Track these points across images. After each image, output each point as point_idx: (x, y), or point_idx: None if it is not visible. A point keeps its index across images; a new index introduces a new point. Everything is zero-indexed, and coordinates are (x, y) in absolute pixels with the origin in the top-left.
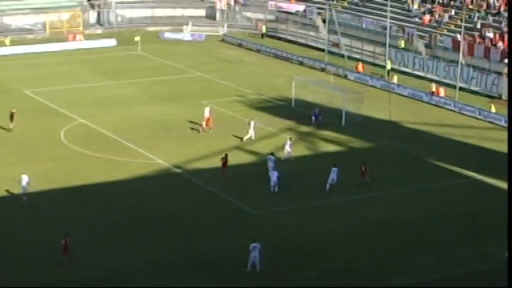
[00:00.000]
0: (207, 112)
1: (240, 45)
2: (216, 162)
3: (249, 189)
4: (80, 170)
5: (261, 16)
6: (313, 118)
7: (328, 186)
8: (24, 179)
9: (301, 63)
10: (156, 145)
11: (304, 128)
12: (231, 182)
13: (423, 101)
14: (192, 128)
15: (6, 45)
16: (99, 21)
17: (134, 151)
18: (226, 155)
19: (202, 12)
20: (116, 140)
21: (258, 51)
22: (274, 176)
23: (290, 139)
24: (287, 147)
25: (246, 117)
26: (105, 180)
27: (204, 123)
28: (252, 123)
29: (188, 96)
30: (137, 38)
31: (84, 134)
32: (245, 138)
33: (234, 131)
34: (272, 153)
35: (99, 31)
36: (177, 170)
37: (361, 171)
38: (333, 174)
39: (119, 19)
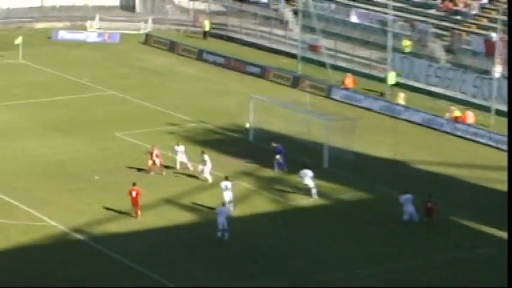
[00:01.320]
0: (180, 152)
1: (171, 49)
2: (134, 224)
3: (186, 261)
4: None
5: (202, 6)
6: (278, 158)
7: (414, 218)
8: None
9: (262, 76)
10: (47, 199)
11: (268, 172)
12: (157, 250)
13: (443, 131)
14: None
15: None
16: None
17: (14, 208)
18: (134, 184)
19: (115, 0)
20: None
21: (199, 57)
22: (221, 216)
23: (310, 170)
24: (307, 182)
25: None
26: None
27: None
28: (206, 157)
29: (95, 126)
30: (18, 40)
31: None
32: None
33: (163, 177)
34: (227, 177)
35: None
36: (79, 236)
37: (427, 209)
38: (409, 206)
39: None
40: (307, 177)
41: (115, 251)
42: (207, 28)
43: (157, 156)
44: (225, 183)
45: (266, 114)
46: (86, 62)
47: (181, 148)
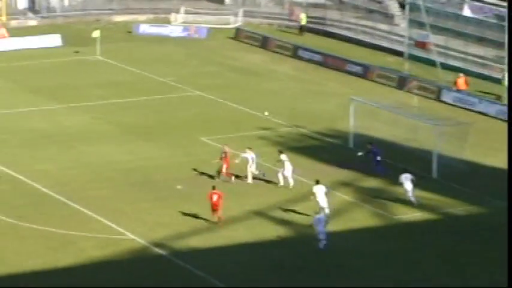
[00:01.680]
0: (251, 159)
1: (264, 45)
2: (221, 238)
3: (277, 281)
4: (5, 251)
5: None
6: (378, 160)
7: None
8: None
9: (364, 75)
10: (125, 210)
11: (369, 182)
12: (247, 268)
13: None
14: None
15: None
16: (33, 7)
17: (89, 219)
18: (213, 187)
19: None
20: (61, 202)
21: (295, 55)
22: (320, 224)
23: (411, 174)
24: (407, 187)
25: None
26: (44, 268)
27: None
28: (284, 157)
29: (179, 129)
30: (96, 34)
31: (10, 191)
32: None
33: (249, 187)
34: (318, 181)
35: (33, 22)
36: (159, 251)
37: None
38: None
39: (66, 3)
40: (409, 181)
41: (200, 268)
42: (303, 22)
43: (226, 160)
44: (317, 188)
45: (369, 118)
46: (169, 59)
47: (251, 155)
